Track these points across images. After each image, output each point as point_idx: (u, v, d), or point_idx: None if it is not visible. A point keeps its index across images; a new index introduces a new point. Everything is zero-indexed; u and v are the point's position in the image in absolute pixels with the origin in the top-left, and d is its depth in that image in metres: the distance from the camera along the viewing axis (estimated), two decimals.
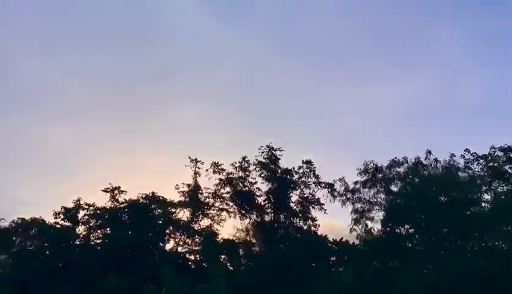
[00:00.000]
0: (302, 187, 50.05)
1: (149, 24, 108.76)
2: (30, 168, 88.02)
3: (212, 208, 49.50)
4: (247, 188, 49.70)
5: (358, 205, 50.84)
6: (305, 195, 49.87)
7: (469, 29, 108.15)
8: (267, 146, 50.27)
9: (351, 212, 50.20)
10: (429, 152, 50.03)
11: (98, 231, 49.16)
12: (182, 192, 49.53)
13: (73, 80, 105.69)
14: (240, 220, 49.51)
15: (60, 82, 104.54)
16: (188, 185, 49.68)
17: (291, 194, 50.12)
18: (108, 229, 49.05)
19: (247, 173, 50.04)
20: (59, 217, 48.19)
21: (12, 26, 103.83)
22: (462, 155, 47.95)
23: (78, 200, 48.89)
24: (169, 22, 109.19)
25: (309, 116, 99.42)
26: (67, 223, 48.61)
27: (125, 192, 49.56)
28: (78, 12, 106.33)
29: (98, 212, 48.62)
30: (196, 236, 49.02)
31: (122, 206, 48.95)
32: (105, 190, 49.12)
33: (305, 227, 49.26)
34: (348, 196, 50.69)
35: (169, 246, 49.47)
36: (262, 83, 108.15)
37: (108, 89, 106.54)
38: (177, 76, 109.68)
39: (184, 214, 49.92)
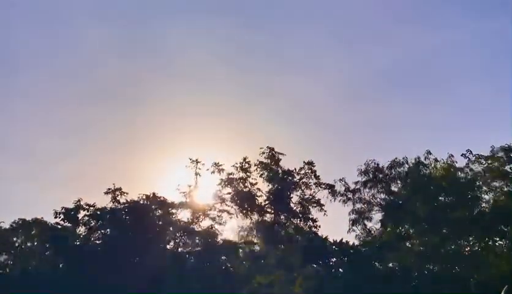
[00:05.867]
0: (303, 188, 50.14)
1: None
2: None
3: (213, 209, 49.53)
4: (247, 189, 49.80)
5: (358, 205, 50.78)
6: (305, 196, 49.96)
7: (469, 30, 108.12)
8: (268, 147, 50.51)
9: (350, 212, 50.17)
10: (429, 152, 49.99)
11: (99, 231, 49.17)
12: (183, 192, 49.70)
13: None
14: (241, 220, 49.63)
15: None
16: (189, 186, 49.88)
17: (291, 195, 50.19)
18: (108, 230, 49.07)
19: (248, 174, 50.15)
20: (59, 217, 48.14)
21: None
22: (463, 154, 47.90)
23: (79, 201, 48.85)
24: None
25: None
26: (67, 224, 48.60)
27: (127, 193, 49.60)
28: None
29: (99, 212, 48.60)
30: (197, 237, 49.02)
31: (122, 206, 48.90)
32: (107, 192, 49.01)
33: (305, 228, 49.31)
34: (349, 196, 50.59)
35: (169, 247, 49.44)
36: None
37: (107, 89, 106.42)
38: (178, 79, 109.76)
39: (184, 215, 50.09)
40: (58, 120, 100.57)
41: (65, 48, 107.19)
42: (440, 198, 48.05)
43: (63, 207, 48.29)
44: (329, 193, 50.25)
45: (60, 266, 47.30)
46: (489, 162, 46.36)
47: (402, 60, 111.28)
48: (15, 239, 49.30)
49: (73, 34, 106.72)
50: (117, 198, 48.73)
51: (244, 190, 49.65)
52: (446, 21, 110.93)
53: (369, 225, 50.49)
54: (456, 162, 48.28)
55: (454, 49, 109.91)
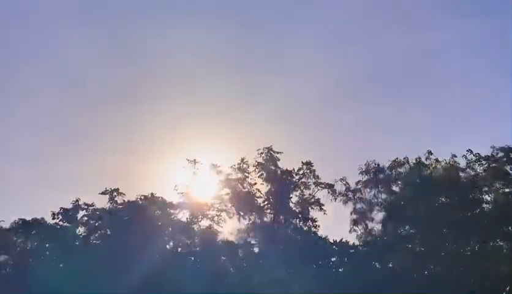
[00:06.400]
0: (302, 188, 49.97)
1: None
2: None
3: (211, 209, 49.48)
4: (246, 190, 49.76)
5: (359, 205, 50.43)
6: (304, 196, 49.80)
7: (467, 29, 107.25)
8: (266, 147, 50.34)
9: (351, 212, 49.90)
10: (430, 152, 49.57)
11: (98, 232, 49.26)
12: (181, 193, 49.68)
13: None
14: (240, 221, 49.55)
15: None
16: (187, 186, 49.86)
17: (291, 195, 50.05)
18: (107, 230, 49.17)
19: (246, 175, 50.09)
20: (57, 218, 48.22)
21: None
22: (463, 156, 47.59)
23: (77, 201, 48.95)
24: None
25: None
26: (67, 224, 48.69)
27: (124, 194, 49.72)
28: None
29: (97, 212, 48.73)
30: (196, 237, 49.00)
31: (121, 206, 49.04)
32: (103, 193, 49.15)
33: (305, 228, 49.18)
34: (350, 195, 50.28)
35: (169, 247, 49.45)
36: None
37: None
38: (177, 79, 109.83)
39: (183, 215, 50.06)
40: (58, 120, 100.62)
41: (66, 47, 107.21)
42: (441, 198, 47.81)
43: (61, 207, 48.56)
44: (329, 192, 49.95)
45: (61, 266, 47.31)
46: (489, 162, 46.12)
47: (401, 60, 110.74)
48: (15, 239, 49.28)
49: (74, 34, 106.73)
50: (115, 199, 48.81)
51: (243, 190, 49.57)
52: (447, 19, 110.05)
53: (370, 225, 50.21)
54: (456, 162, 48.01)
55: (454, 48, 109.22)
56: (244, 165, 50.09)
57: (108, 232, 49.27)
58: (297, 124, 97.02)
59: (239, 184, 49.67)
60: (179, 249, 49.47)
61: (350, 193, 50.17)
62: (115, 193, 49.05)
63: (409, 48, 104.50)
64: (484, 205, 46.36)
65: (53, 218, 48.29)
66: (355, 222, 49.74)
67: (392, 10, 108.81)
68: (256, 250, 49.50)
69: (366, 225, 49.98)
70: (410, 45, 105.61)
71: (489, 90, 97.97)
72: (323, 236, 48.85)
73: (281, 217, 49.58)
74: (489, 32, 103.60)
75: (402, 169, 50.40)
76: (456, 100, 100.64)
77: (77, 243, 48.65)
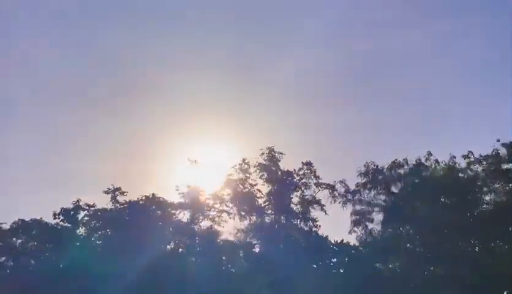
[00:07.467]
0: (302, 189, 50.09)
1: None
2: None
3: (212, 209, 49.56)
4: (247, 190, 49.84)
5: (358, 207, 50.63)
6: (305, 196, 49.91)
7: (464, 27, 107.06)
8: (268, 147, 50.47)
9: (351, 214, 50.01)
10: (430, 153, 49.74)
11: (99, 232, 49.23)
12: (182, 193, 49.74)
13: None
14: (241, 221, 49.63)
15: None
16: (188, 187, 49.87)
17: (292, 195, 50.17)
18: (108, 230, 49.13)
19: (247, 175, 50.17)
20: (58, 218, 48.22)
21: None
22: (464, 156, 47.68)
23: (77, 201, 48.94)
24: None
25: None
26: (67, 224, 48.65)
27: (126, 193, 49.75)
28: None
29: (99, 213, 48.70)
30: (197, 238, 49.04)
31: (122, 207, 49.04)
32: (107, 192, 49.14)
33: (306, 228, 49.28)
34: (349, 197, 50.46)
35: (169, 247, 49.47)
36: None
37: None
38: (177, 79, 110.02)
39: (183, 215, 50.09)
40: (58, 120, 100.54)
41: (66, 47, 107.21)
42: (441, 199, 47.96)
43: (62, 207, 48.52)
44: (330, 193, 50.08)
45: (61, 266, 47.30)
46: (490, 161, 46.17)
47: (402, 59, 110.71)
48: (14, 239, 49.23)
49: (74, 34, 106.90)
50: (117, 198, 48.90)
51: (244, 191, 49.66)
52: (451, 14, 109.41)
53: (370, 226, 50.35)
54: (457, 163, 48.14)
55: (455, 47, 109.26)
56: (246, 166, 50.30)
57: (109, 232, 49.26)
58: (298, 123, 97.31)
59: (240, 185, 49.81)
60: (180, 250, 49.48)
61: (349, 194, 50.37)
62: (117, 193, 49.09)
63: (409, 48, 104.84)
64: (484, 205, 46.55)
65: (54, 218, 48.28)
66: (355, 223, 49.90)
67: (393, 8, 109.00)
68: (257, 250, 49.56)
69: (366, 226, 50.15)
70: (410, 45, 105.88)
71: (489, 90, 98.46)
72: (324, 237, 48.94)
73: (282, 217, 49.70)
74: (491, 29, 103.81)
75: (401, 171, 50.57)
76: (457, 100, 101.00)
77: (78, 244, 48.58)
